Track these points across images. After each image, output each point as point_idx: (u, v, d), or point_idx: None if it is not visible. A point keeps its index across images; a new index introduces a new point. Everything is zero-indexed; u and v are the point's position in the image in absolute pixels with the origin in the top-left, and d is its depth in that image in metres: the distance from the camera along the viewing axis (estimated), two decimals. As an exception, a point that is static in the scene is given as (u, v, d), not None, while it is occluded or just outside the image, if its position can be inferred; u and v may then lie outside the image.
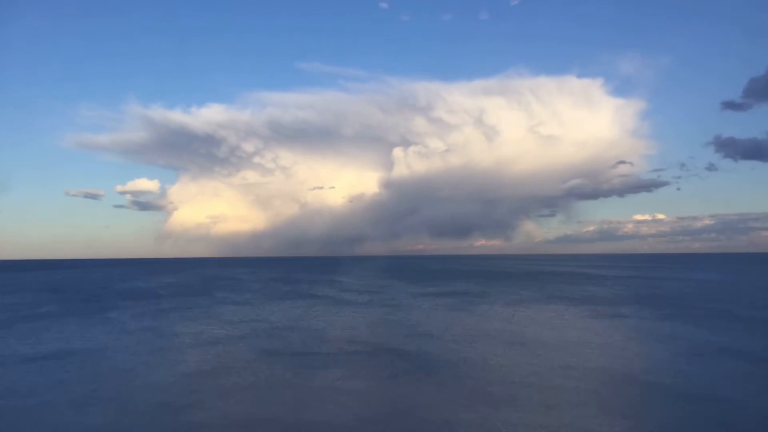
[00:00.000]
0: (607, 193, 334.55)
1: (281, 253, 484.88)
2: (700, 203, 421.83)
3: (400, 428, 14.24)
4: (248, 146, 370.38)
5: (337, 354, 24.06)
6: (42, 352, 25.27)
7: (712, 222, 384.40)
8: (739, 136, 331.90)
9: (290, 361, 22.46)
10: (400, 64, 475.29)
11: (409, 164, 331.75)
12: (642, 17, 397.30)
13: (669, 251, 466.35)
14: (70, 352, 24.93)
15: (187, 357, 24.07)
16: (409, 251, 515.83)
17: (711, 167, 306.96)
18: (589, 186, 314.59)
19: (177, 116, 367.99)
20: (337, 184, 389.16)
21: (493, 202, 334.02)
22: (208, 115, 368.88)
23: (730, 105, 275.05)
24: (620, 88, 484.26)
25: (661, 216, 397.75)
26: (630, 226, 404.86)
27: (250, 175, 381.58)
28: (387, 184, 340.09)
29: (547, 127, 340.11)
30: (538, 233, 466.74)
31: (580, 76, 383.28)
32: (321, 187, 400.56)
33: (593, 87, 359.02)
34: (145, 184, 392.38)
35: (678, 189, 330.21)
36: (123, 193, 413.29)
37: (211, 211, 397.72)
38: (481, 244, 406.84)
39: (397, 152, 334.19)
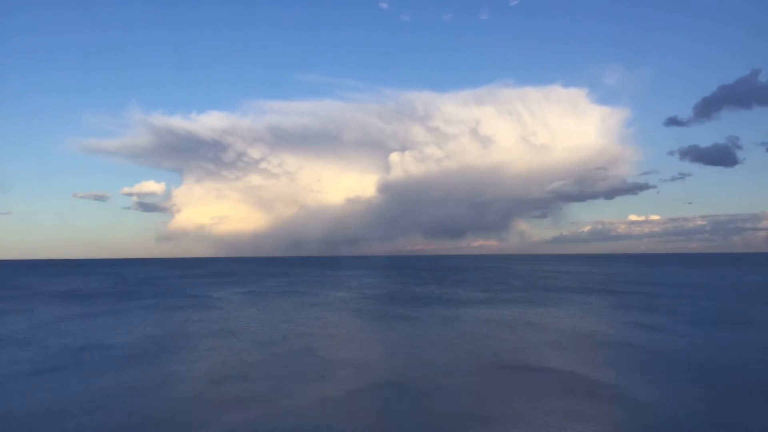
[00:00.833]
0: (595, 196, 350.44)
1: (281, 254, 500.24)
2: (681, 205, 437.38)
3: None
4: (250, 150, 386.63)
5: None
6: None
7: (704, 223, 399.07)
8: (703, 144, 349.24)
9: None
10: (394, 75, 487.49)
11: (405, 168, 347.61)
12: (623, 30, 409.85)
13: (666, 251, 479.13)
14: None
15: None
16: (408, 251, 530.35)
17: (683, 173, 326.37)
18: (577, 189, 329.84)
19: (178, 122, 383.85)
20: (337, 187, 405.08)
21: (485, 204, 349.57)
22: (210, 122, 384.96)
23: (701, 113, 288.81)
24: (604, 97, 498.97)
25: (655, 217, 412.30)
26: (622, 226, 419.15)
27: (252, 179, 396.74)
28: (384, 187, 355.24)
29: (537, 134, 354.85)
30: (530, 234, 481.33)
31: (565, 86, 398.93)
32: (321, 191, 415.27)
33: (579, 96, 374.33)
34: (151, 187, 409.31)
35: (658, 192, 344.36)
36: (129, 195, 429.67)
37: (213, 212, 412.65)
38: (480, 244, 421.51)
39: (394, 157, 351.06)
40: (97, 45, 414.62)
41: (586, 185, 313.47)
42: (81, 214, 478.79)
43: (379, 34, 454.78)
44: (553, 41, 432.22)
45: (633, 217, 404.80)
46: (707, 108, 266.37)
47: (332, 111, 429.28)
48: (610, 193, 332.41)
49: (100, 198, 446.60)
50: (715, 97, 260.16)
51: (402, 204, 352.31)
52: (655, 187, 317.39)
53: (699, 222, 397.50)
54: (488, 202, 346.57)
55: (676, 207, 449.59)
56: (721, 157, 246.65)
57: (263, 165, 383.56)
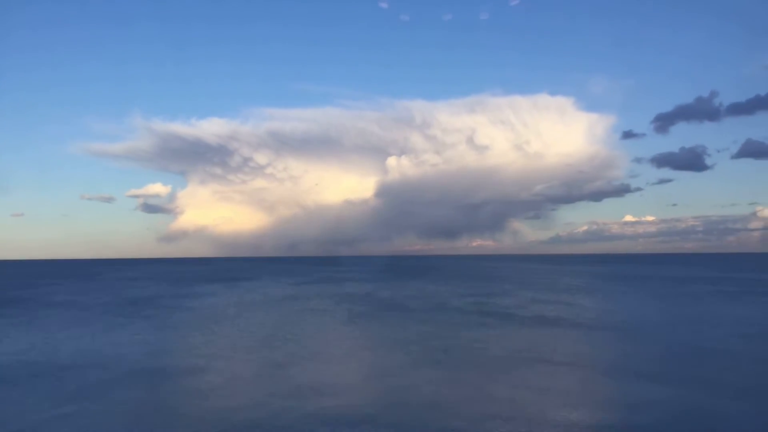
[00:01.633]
0: (582, 198, 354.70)
1: (280, 254, 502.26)
2: (666, 207, 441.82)
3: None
4: (252, 154, 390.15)
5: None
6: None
7: (696, 223, 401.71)
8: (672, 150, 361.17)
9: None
10: (389, 85, 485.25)
11: (401, 171, 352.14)
12: (609, 38, 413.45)
13: (663, 251, 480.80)
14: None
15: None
16: (406, 252, 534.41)
17: (665, 178, 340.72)
18: (565, 192, 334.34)
19: (180, 128, 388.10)
20: (338, 189, 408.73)
21: (479, 206, 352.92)
22: (211, 127, 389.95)
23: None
24: (590, 105, 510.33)
25: (650, 218, 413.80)
26: (615, 227, 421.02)
27: (254, 181, 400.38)
28: (381, 189, 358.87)
29: (528, 140, 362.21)
30: (524, 234, 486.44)
31: (552, 94, 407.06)
32: (321, 193, 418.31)
33: (566, 104, 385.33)
34: (156, 189, 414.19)
35: (641, 195, 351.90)
36: (134, 197, 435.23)
37: (216, 214, 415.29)
38: (478, 245, 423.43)
39: (391, 161, 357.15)
40: (99, 53, 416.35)
41: (574, 188, 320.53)
42: (88, 216, 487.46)
43: (379, 34, 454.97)
44: (539, 51, 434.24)
45: (628, 218, 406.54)
46: (666, 120, 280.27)
47: (332, 118, 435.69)
48: (598, 196, 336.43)
49: (107, 200, 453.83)
50: (679, 111, 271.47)
51: (399, 205, 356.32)
52: (640, 189, 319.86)
53: (691, 222, 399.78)
54: (482, 204, 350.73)
55: (662, 209, 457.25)
56: (691, 162, 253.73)
57: (266, 169, 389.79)
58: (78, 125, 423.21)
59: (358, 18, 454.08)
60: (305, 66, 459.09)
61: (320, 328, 30.82)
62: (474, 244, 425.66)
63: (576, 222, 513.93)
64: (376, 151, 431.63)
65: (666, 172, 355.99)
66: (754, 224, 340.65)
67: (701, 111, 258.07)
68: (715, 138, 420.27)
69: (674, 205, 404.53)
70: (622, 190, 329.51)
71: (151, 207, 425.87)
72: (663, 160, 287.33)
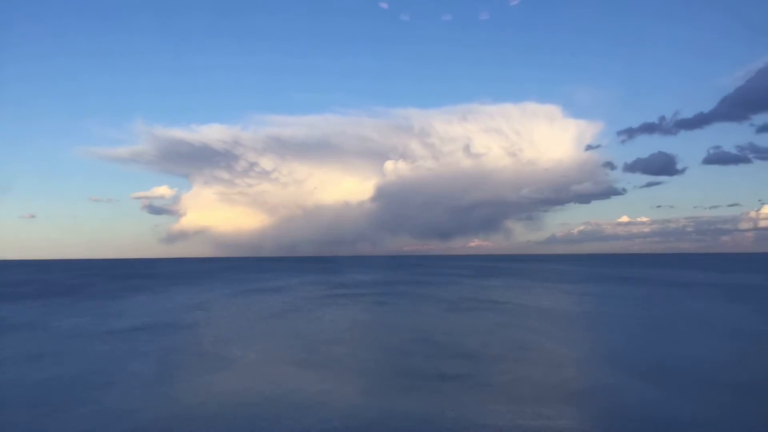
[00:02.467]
0: (572, 200, 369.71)
1: (280, 254, 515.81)
2: (651, 209, 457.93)
3: None
4: (254, 158, 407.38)
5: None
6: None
7: (686, 224, 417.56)
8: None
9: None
10: (384, 93, 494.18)
11: (398, 175, 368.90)
12: (591, 47, 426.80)
13: (658, 251, 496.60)
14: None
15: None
16: (404, 252, 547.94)
17: (653, 181, 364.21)
18: (556, 194, 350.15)
19: (182, 133, 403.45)
20: (338, 192, 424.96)
21: (473, 208, 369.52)
22: (213, 133, 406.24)
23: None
24: (578, 112, 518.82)
25: (644, 219, 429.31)
26: (608, 227, 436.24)
27: (255, 184, 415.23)
28: (379, 191, 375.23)
29: (520, 145, 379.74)
30: (518, 235, 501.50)
31: (540, 102, 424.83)
32: (322, 195, 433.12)
33: (555, 111, 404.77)
34: (161, 191, 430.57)
35: (624, 197, 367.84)
36: (140, 199, 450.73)
37: (219, 216, 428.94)
38: (476, 245, 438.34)
39: (388, 164, 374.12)
40: (99, 58, 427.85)
41: (562, 191, 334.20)
42: (96, 217, 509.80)
43: (378, 35, 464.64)
44: (526, 58, 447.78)
45: (623, 219, 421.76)
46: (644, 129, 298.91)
47: (332, 125, 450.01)
48: (587, 198, 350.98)
49: (114, 202, 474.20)
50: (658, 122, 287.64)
51: (398, 207, 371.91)
52: (624, 192, 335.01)
53: (683, 223, 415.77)
54: (476, 206, 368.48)
55: (646, 210, 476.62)
56: (662, 167, 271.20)
57: (270, 173, 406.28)
58: (80, 130, 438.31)
59: (358, 18, 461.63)
60: (303, 74, 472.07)
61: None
62: (471, 244, 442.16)
63: (570, 223, 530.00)
64: (376, 156, 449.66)
65: (649, 177, 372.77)
66: (743, 225, 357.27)
67: (665, 126, 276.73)
68: (683, 146, 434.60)
69: (659, 206, 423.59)
70: (609, 193, 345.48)
71: (156, 209, 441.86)
72: (636, 166, 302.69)
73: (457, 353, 20.92)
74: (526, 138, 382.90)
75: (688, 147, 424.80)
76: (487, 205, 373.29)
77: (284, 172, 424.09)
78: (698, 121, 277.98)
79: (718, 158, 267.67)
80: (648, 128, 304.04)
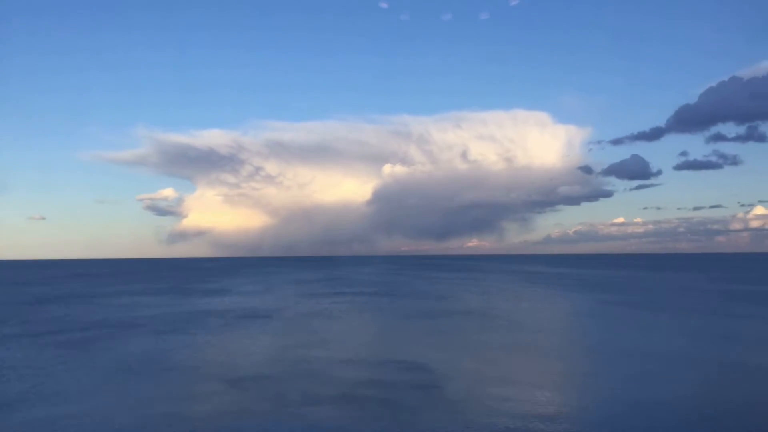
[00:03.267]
0: (564, 202, 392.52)
1: (279, 254, 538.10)
2: (639, 210, 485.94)
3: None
4: (254, 161, 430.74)
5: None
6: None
7: (679, 224, 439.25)
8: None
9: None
10: (380, 101, 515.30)
11: (396, 178, 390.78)
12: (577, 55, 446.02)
13: (656, 251, 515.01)
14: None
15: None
16: (402, 252, 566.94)
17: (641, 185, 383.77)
18: (547, 196, 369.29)
19: (182, 138, 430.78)
20: (339, 194, 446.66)
21: (468, 209, 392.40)
22: (215, 137, 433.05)
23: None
24: (565, 119, 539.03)
25: (638, 220, 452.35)
26: (602, 227, 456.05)
27: (258, 186, 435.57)
28: (378, 193, 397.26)
29: (513, 150, 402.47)
30: (513, 236, 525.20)
31: (528, 109, 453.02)
32: (323, 197, 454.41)
33: (544, 118, 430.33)
34: (165, 193, 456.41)
35: (612, 199, 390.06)
36: (145, 201, 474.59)
37: (220, 217, 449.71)
38: (475, 245, 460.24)
39: (386, 168, 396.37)
40: (99, 63, 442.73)
41: (553, 193, 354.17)
42: (102, 219, 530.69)
43: (377, 37, 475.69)
44: (511, 67, 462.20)
45: (618, 220, 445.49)
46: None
47: (332, 130, 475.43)
48: (576, 200, 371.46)
49: (120, 204, 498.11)
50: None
51: (396, 209, 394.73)
52: (612, 194, 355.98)
53: (675, 223, 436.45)
54: (472, 207, 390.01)
55: (634, 212, 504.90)
56: (638, 172, 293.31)
57: (272, 176, 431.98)
58: (84, 135, 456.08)
59: (358, 18, 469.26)
60: (302, 81, 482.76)
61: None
62: (469, 244, 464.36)
63: (564, 224, 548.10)
64: (375, 160, 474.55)
65: (634, 181, 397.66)
66: (734, 226, 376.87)
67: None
68: (656, 152, 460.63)
69: (645, 208, 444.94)
70: (597, 195, 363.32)
71: (161, 210, 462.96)
72: (613, 170, 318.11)
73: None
74: (519, 144, 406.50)
75: (660, 153, 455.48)
76: (482, 207, 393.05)
77: (289, 176, 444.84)
78: (656, 133, 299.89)
79: (688, 165, 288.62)
80: (633, 137, 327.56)
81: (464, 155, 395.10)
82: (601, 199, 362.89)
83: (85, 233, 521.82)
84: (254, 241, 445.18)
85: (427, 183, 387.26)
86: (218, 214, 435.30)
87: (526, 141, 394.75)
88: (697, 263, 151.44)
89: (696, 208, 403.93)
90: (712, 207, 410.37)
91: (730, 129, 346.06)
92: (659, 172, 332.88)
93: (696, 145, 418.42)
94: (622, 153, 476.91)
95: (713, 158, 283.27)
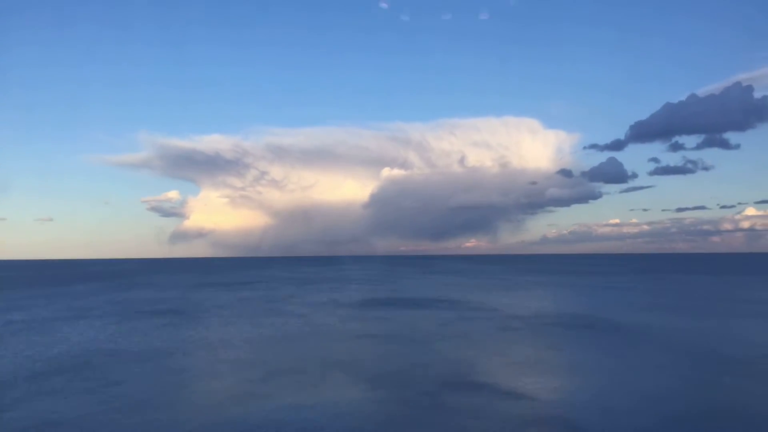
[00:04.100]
0: (555, 204, 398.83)
1: (279, 254, 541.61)
2: (627, 211, 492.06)
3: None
4: (257, 165, 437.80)
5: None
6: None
7: (671, 225, 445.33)
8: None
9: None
10: (377, 108, 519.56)
11: (393, 181, 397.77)
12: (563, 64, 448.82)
13: (652, 251, 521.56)
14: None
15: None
16: (402, 252, 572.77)
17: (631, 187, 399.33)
18: (539, 198, 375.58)
19: (182, 142, 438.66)
20: (339, 195, 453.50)
21: (465, 210, 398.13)
22: (216, 142, 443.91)
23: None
24: (554, 125, 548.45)
25: (633, 220, 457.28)
26: (596, 228, 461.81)
27: (260, 189, 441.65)
28: (376, 195, 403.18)
29: (506, 155, 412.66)
30: (509, 236, 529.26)
31: (517, 115, 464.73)
32: (324, 199, 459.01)
33: (534, 124, 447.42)
34: (169, 196, 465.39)
35: (599, 200, 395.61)
36: (150, 203, 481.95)
37: (219, 217, 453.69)
38: (473, 245, 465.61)
39: (385, 171, 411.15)
40: (99, 69, 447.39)
41: (544, 196, 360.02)
42: (107, 220, 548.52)
43: (376, 37, 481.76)
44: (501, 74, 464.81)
45: (613, 221, 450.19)
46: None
47: (331, 135, 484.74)
48: (566, 202, 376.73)
49: (124, 205, 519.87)
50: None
51: (390, 212, 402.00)
52: (600, 196, 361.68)
53: (667, 224, 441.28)
54: (468, 209, 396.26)
55: (623, 213, 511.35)
56: (615, 175, 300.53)
57: (277, 181, 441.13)
58: (87, 139, 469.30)
59: (358, 18, 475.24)
60: (301, 87, 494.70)
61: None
62: (468, 245, 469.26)
63: (559, 224, 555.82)
64: (376, 164, 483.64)
65: (616, 185, 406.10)
66: (724, 226, 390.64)
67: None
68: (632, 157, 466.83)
69: (631, 210, 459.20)
70: (587, 197, 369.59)
71: (165, 212, 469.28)
72: (593, 174, 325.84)
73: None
74: (512, 149, 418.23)
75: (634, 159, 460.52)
76: (477, 209, 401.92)
77: (294, 179, 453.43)
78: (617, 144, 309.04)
79: (662, 170, 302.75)
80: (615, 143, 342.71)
81: (461, 161, 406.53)
82: (590, 201, 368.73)
83: (92, 234, 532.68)
84: (260, 242, 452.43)
85: (424, 186, 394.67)
86: (221, 216, 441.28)
87: (517, 146, 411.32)
88: (700, 264, 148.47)
89: (679, 209, 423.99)
90: (696, 208, 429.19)
91: (689, 140, 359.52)
92: (635, 175, 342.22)
93: (660, 152, 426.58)
94: (602, 157, 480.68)
95: (683, 163, 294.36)
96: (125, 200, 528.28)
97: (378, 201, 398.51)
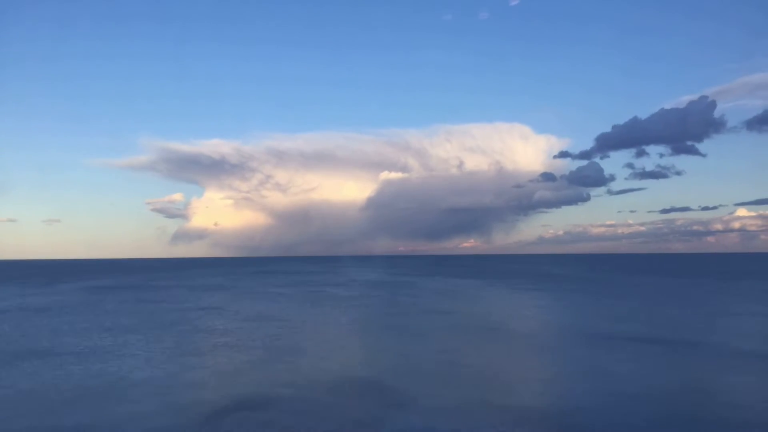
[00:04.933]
0: (546, 206, 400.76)
1: (279, 254, 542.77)
2: (615, 213, 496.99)
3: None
4: (259, 168, 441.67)
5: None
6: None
7: (662, 226, 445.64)
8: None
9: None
10: (374, 115, 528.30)
11: (392, 184, 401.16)
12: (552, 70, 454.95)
13: (650, 251, 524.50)
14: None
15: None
16: (400, 252, 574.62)
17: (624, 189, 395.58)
18: (529, 200, 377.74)
19: (183, 146, 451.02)
20: (340, 196, 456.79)
21: (461, 212, 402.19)
22: (217, 146, 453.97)
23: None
24: (545, 130, 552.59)
25: (629, 221, 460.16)
26: (591, 228, 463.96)
27: (261, 190, 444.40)
28: (375, 198, 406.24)
29: (500, 160, 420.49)
30: (504, 237, 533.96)
31: (507, 121, 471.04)
32: (324, 200, 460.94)
33: (524, 129, 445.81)
34: (174, 197, 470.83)
35: (588, 203, 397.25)
36: (154, 204, 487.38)
37: (220, 218, 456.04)
38: (472, 245, 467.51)
39: (384, 174, 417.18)
40: (99, 74, 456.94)
41: (535, 198, 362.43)
42: (112, 221, 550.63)
43: (376, 38, 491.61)
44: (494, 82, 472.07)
45: (609, 221, 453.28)
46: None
47: (332, 138, 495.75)
48: (557, 203, 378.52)
49: (129, 207, 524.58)
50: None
51: (388, 213, 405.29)
52: (588, 199, 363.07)
53: (659, 225, 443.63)
54: (464, 210, 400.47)
55: (612, 214, 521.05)
56: (596, 179, 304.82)
57: (278, 183, 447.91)
58: (89, 143, 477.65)
59: (357, 18, 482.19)
60: (299, 92, 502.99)
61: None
62: (465, 245, 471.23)
63: (553, 225, 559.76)
64: (377, 168, 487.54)
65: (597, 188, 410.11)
66: (715, 226, 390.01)
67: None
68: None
69: (619, 211, 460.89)
70: (576, 199, 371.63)
71: (170, 213, 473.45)
72: (574, 178, 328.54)
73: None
74: (505, 154, 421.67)
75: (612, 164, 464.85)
76: (472, 210, 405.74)
77: (297, 182, 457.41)
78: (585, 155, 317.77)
79: (639, 174, 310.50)
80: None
81: (461, 168, 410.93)
82: (579, 203, 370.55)
83: (97, 235, 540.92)
84: (263, 242, 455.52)
85: (421, 189, 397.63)
86: (227, 217, 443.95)
87: (511, 151, 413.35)
88: (702, 265, 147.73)
89: (664, 211, 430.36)
90: (682, 209, 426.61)
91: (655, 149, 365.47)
92: (612, 178, 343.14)
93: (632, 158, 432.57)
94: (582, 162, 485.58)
95: (657, 169, 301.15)
96: (130, 202, 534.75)
97: (377, 203, 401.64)
